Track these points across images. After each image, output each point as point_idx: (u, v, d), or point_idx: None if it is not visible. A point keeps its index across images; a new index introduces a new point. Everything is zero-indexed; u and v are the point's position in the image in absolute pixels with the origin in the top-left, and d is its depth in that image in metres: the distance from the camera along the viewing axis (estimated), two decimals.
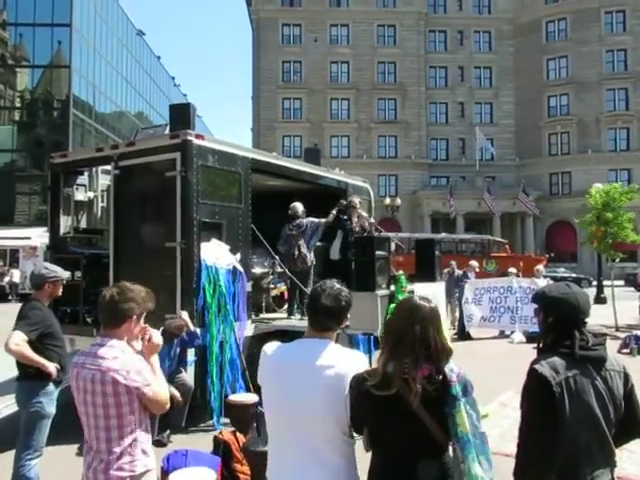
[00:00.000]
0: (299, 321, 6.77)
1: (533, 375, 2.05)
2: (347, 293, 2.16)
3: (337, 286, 2.15)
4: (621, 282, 26.11)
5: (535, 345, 2.27)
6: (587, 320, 2.17)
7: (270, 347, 2.15)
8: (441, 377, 1.90)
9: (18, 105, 39.44)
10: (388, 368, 1.89)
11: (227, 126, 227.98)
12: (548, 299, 2.20)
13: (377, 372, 1.92)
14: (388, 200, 35.32)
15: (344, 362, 2.01)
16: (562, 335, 2.12)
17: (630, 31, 40.02)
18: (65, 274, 4.02)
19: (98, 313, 2.52)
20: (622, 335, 10.93)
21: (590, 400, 2.02)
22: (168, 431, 5.42)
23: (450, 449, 1.94)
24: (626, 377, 2.14)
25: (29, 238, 23.21)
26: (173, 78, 65.22)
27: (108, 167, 6.65)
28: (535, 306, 2.30)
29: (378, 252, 6.16)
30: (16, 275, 21.97)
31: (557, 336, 2.14)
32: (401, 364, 1.88)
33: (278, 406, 2.08)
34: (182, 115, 6.24)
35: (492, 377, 7.60)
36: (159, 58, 58.64)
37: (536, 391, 2.04)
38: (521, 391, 2.13)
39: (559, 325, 2.14)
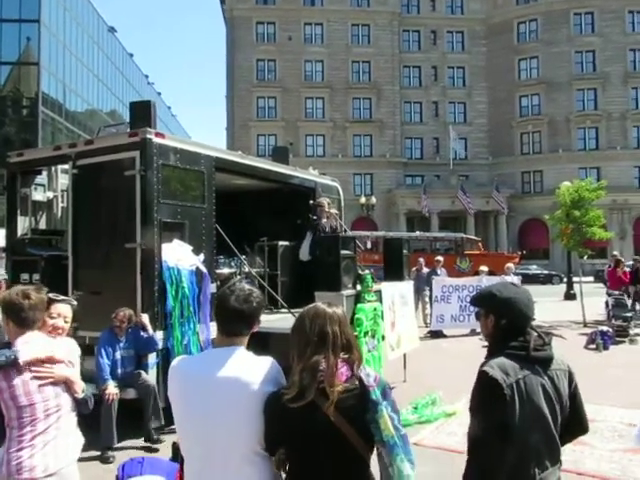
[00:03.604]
0: (266, 321, 6.67)
1: (483, 378, 2.01)
2: (258, 294, 2.02)
3: (247, 287, 2.01)
4: (591, 278, 26.64)
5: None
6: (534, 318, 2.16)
7: (178, 361, 2.05)
8: (358, 384, 1.84)
9: None
10: (304, 379, 1.81)
11: (202, 125, 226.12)
12: (500, 301, 2.12)
13: (294, 384, 1.82)
14: (363, 199, 35.47)
15: (248, 370, 1.89)
16: (511, 336, 2.08)
17: (599, 32, 40.89)
18: None
19: (28, 313, 2.49)
20: (589, 331, 11.09)
21: (539, 401, 2.01)
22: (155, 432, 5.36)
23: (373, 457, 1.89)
24: (570, 376, 2.14)
25: None
26: (147, 76, 64.40)
27: (67, 166, 6.46)
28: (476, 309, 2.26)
29: (344, 252, 6.12)
30: None
31: (506, 337, 2.10)
32: (315, 372, 1.80)
33: (185, 423, 1.97)
34: (143, 113, 6.08)
35: (461, 375, 7.63)
36: (132, 55, 57.84)
37: (487, 394, 2.01)
38: (471, 393, 2.09)
39: (512, 326, 2.10)
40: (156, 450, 5.12)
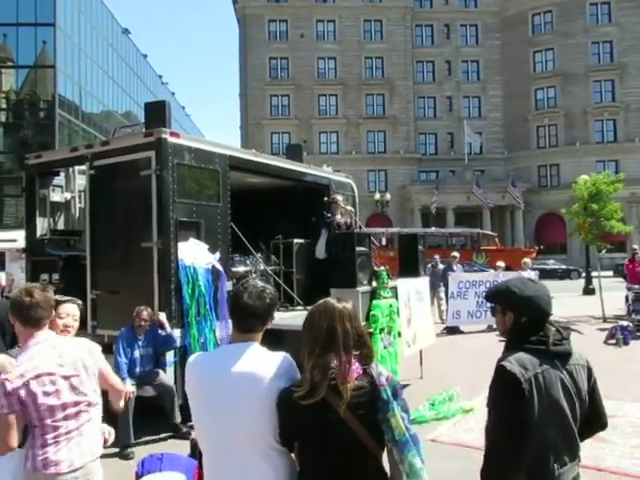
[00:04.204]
0: (281, 319, 6.69)
1: (501, 373, 2.00)
2: (271, 291, 2.04)
3: (260, 284, 2.03)
4: (610, 273, 26.24)
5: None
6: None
7: (194, 357, 2.07)
8: (369, 382, 1.84)
9: (4, 106, 39.01)
10: (315, 377, 1.81)
11: (216, 124, 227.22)
12: (522, 299, 2.09)
13: (305, 381, 1.83)
14: (378, 195, 35.33)
15: (262, 366, 1.91)
16: (530, 332, 2.07)
17: (615, 22, 40.19)
18: None
19: (29, 311, 2.47)
20: (609, 326, 10.94)
21: (558, 395, 1.99)
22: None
23: (384, 455, 1.89)
24: (589, 371, 2.11)
25: (16, 241, 23.01)
26: (161, 77, 64.79)
27: (84, 167, 6.55)
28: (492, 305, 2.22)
29: (359, 248, 6.11)
30: (1, 278, 21.75)
31: (525, 333, 2.08)
32: (327, 370, 1.80)
33: (202, 418, 1.99)
34: (158, 113, 6.13)
35: (478, 371, 7.59)
36: (146, 56, 58.22)
37: (505, 389, 1.99)
38: (489, 388, 2.08)
39: (532, 324, 2.07)
40: (187, 437, 5.08)
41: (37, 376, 2.37)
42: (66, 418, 2.43)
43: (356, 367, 1.85)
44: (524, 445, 1.95)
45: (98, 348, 2.73)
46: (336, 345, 1.83)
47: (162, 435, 5.49)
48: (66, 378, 2.45)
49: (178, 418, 5.51)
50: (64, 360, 2.48)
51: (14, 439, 2.32)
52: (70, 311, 3.01)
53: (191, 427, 5.44)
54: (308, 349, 1.87)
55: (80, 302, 3.22)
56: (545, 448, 1.98)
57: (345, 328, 1.86)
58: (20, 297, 2.47)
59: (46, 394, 2.37)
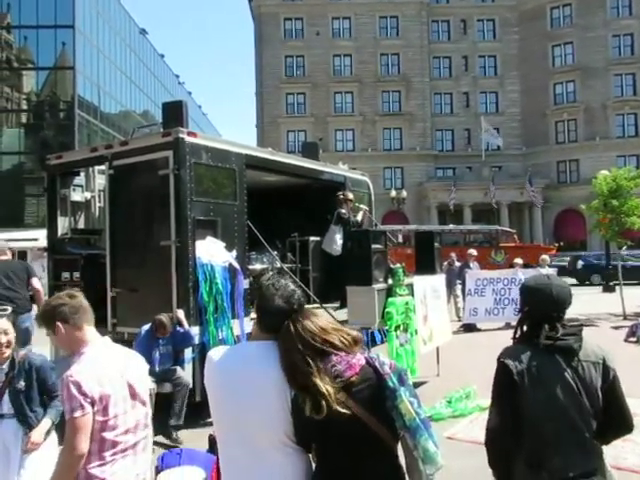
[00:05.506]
0: None
1: (497, 364, 2.12)
2: (300, 294, 2.02)
3: (291, 287, 2.02)
4: None
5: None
6: (563, 314, 2.14)
7: (215, 352, 2.10)
8: (374, 372, 1.84)
9: (24, 108, 39.74)
10: (307, 395, 1.80)
11: (232, 123, 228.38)
12: (524, 289, 2.24)
13: (305, 397, 1.81)
14: (394, 193, 35.18)
15: (278, 365, 1.91)
16: (535, 325, 2.13)
17: (637, 15, 39.41)
18: None
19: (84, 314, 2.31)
20: (629, 323, 10.79)
21: (555, 390, 2.01)
22: (173, 430, 5.42)
23: (399, 446, 1.90)
24: (605, 368, 2.08)
25: (37, 240, 23.42)
26: (177, 76, 65.30)
27: (103, 167, 6.66)
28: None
29: (375, 246, 6.12)
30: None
31: (530, 326, 2.16)
32: (318, 383, 1.79)
33: (220, 412, 2.01)
34: (175, 113, 6.22)
35: (495, 368, 7.55)
36: (163, 56, 58.73)
37: (499, 379, 2.09)
38: None
39: (532, 315, 2.17)
40: (176, 447, 5.02)
41: (108, 379, 2.19)
42: (126, 432, 2.23)
43: (357, 359, 1.84)
44: (521, 435, 2.02)
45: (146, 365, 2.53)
46: (307, 359, 1.82)
47: (181, 431, 5.56)
48: (129, 385, 2.28)
49: (181, 420, 5.44)
50: (126, 364, 2.31)
51: (86, 444, 2.09)
52: (1, 326, 2.74)
53: (210, 425, 5.54)
54: (289, 378, 1.88)
55: (9, 309, 3.00)
56: (544, 443, 2.01)
57: (305, 345, 1.85)
58: (64, 300, 2.28)
59: (115, 401, 2.19)
